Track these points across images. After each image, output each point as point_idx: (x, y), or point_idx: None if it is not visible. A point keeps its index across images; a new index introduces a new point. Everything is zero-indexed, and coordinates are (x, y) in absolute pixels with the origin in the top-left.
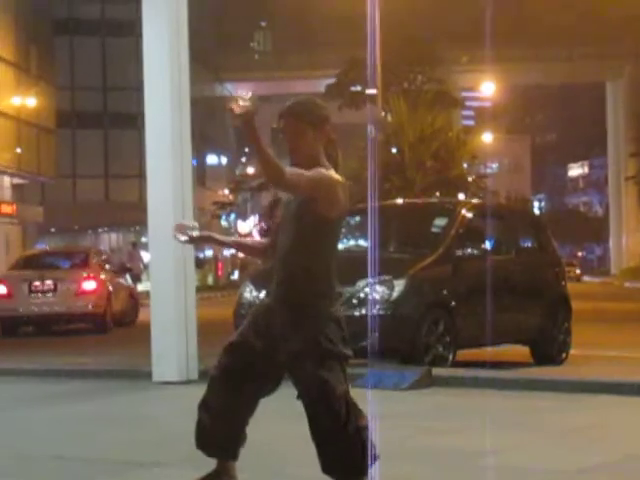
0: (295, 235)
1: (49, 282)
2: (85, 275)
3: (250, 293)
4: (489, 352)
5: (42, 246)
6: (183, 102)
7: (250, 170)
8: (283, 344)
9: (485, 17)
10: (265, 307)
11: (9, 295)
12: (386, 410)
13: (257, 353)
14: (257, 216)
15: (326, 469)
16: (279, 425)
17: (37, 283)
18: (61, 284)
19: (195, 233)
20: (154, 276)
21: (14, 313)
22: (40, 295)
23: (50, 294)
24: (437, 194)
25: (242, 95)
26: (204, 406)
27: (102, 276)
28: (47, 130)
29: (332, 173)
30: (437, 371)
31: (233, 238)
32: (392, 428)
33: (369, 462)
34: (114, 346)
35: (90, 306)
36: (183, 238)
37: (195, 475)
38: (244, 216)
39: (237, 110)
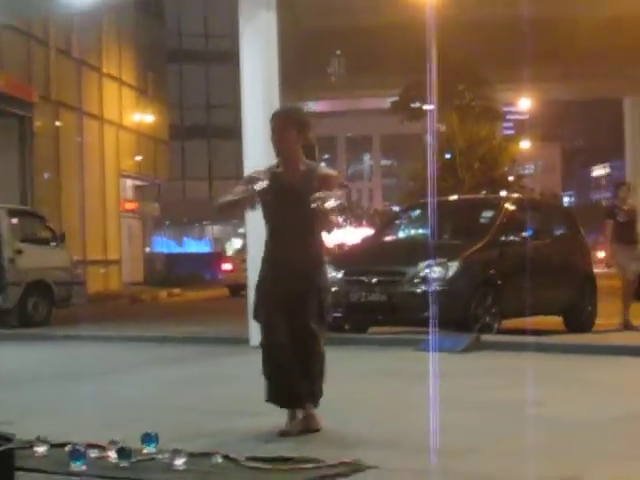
0: (306, 217)
1: (228, 266)
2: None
3: (331, 273)
4: (528, 321)
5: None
6: None
7: None
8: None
9: (521, 47)
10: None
11: (233, 270)
12: (443, 369)
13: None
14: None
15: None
16: (353, 382)
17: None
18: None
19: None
20: (251, 255)
21: (234, 282)
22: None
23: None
24: (484, 191)
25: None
26: (264, 366)
27: None
28: (161, 141)
29: None
30: (486, 337)
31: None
32: (449, 384)
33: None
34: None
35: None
36: (258, 187)
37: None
38: None
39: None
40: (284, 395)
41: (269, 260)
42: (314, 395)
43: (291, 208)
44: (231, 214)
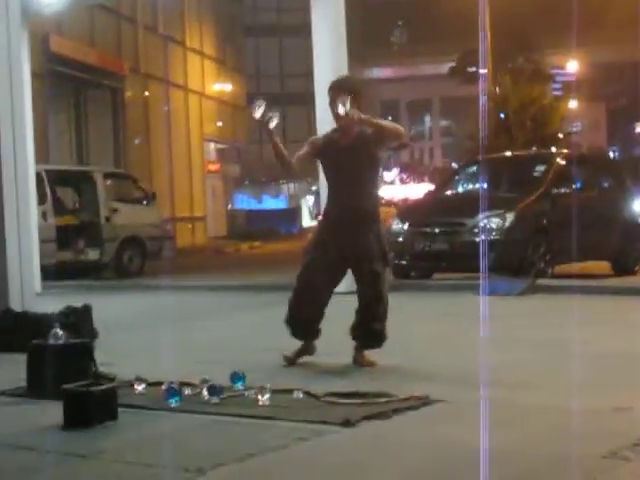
0: (362, 175)
1: None
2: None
3: (397, 225)
4: (579, 266)
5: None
6: None
7: None
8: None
9: (568, 12)
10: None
11: None
12: (501, 311)
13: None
14: (398, 168)
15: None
16: (420, 324)
17: None
18: None
19: (272, 123)
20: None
21: None
22: None
23: None
24: (535, 148)
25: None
26: (294, 301)
27: None
28: (240, 108)
29: None
30: (540, 281)
31: (279, 143)
32: (506, 324)
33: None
34: None
35: None
36: (257, 115)
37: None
38: (389, 168)
39: (255, 115)
40: (299, 326)
41: (330, 213)
42: (379, 337)
43: (348, 167)
44: (287, 165)
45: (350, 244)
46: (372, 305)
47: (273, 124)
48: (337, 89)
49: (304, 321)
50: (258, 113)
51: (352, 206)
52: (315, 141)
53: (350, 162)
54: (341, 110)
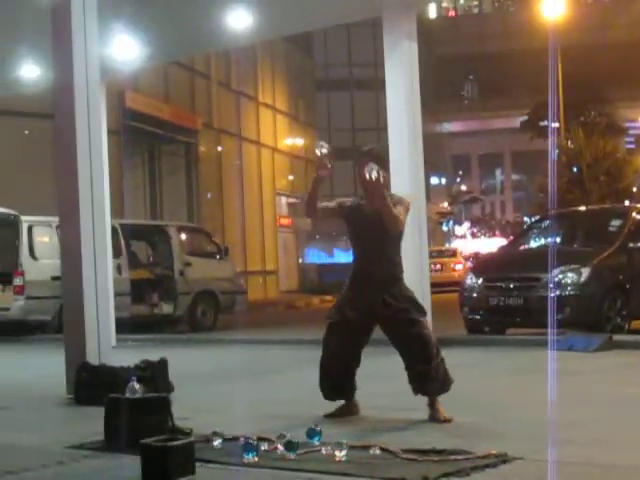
0: (384, 241)
1: (438, 266)
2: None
3: (471, 280)
4: None
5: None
6: (417, 139)
7: (463, 187)
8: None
9: None
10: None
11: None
12: (577, 367)
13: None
14: (469, 222)
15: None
16: (495, 380)
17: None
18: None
19: (324, 149)
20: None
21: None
22: (438, 267)
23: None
24: (607, 202)
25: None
26: (321, 365)
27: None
28: (312, 162)
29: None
30: (617, 337)
31: (317, 190)
32: (584, 381)
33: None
34: None
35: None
36: (324, 151)
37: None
38: (459, 222)
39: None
40: (328, 388)
41: (354, 277)
42: (441, 379)
43: (371, 234)
44: (312, 207)
45: (375, 307)
46: (419, 350)
47: (324, 150)
48: (367, 158)
49: (332, 384)
50: (322, 151)
51: (373, 272)
52: (344, 202)
53: (373, 229)
54: (372, 174)
